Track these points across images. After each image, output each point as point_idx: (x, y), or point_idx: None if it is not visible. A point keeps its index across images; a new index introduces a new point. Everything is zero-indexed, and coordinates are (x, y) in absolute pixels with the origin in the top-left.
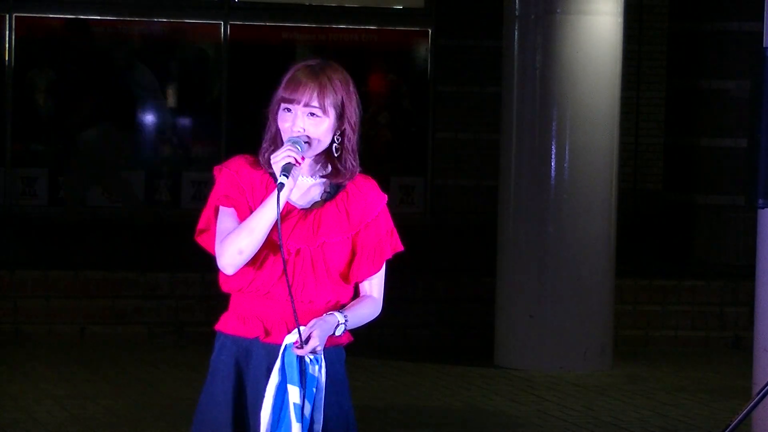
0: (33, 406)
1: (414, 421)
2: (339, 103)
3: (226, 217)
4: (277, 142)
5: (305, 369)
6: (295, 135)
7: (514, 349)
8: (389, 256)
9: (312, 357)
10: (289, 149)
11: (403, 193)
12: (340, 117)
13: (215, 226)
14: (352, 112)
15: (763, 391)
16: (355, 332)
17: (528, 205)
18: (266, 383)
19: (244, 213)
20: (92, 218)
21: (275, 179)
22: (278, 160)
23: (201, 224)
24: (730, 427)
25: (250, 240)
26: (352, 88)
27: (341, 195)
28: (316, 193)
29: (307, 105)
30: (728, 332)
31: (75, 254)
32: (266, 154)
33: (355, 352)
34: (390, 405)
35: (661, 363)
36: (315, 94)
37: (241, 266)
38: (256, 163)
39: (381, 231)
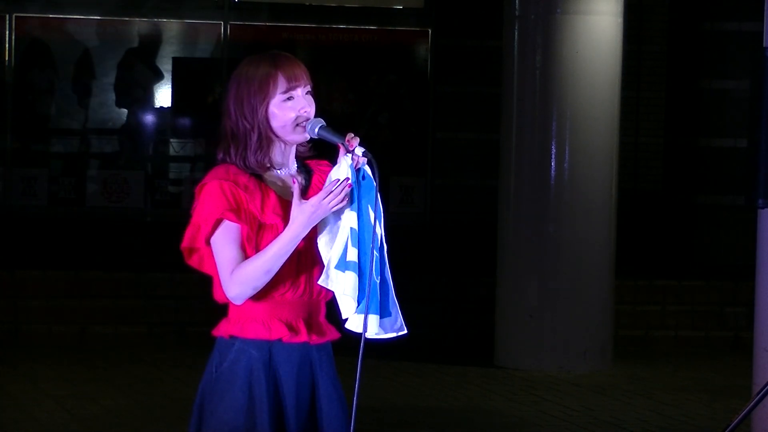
0: (33, 406)
1: (414, 421)
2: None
3: (229, 236)
4: (264, 141)
5: (375, 194)
6: (315, 120)
7: (514, 349)
8: None
9: (362, 164)
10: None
11: (403, 193)
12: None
13: (201, 243)
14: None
15: (763, 391)
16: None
17: (528, 205)
18: (294, 382)
19: (252, 227)
20: (92, 218)
21: (262, 180)
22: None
23: (186, 242)
24: (730, 427)
25: (267, 278)
26: None
27: (314, 180)
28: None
29: (305, 85)
30: (728, 332)
31: (75, 254)
32: (252, 157)
33: (354, 352)
34: (390, 405)
35: (661, 363)
36: (306, 74)
37: None
38: (241, 170)
39: None
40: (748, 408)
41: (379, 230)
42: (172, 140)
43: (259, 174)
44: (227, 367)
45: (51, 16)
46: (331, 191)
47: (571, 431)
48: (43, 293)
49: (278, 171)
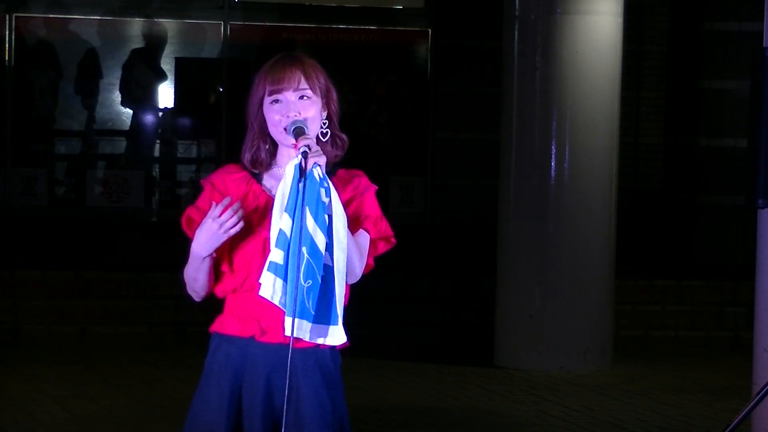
0: (33, 406)
1: (414, 421)
2: (323, 86)
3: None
4: (259, 140)
5: (317, 197)
6: (294, 119)
7: (514, 349)
8: (373, 235)
9: (320, 176)
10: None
11: (403, 193)
12: (326, 100)
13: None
14: (335, 95)
15: (763, 391)
16: (355, 332)
17: (528, 205)
18: (263, 383)
19: None
20: (92, 218)
21: (258, 179)
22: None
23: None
24: (730, 427)
25: (197, 285)
26: (326, 74)
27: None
28: None
29: (296, 89)
30: (728, 332)
31: (75, 254)
32: (247, 154)
33: (355, 352)
34: (390, 405)
35: (661, 363)
36: (302, 77)
37: (207, 291)
38: (241, 168)
39: (365, 210)
40: (748, 408)
41: (321, 236)
42: (172, 140)
43: (257, 173)
44: (207, 361)
45: (51, 16)
46: (219, 211)
47: (571, 431)
48: (43, 293)
49: (281, 172)
